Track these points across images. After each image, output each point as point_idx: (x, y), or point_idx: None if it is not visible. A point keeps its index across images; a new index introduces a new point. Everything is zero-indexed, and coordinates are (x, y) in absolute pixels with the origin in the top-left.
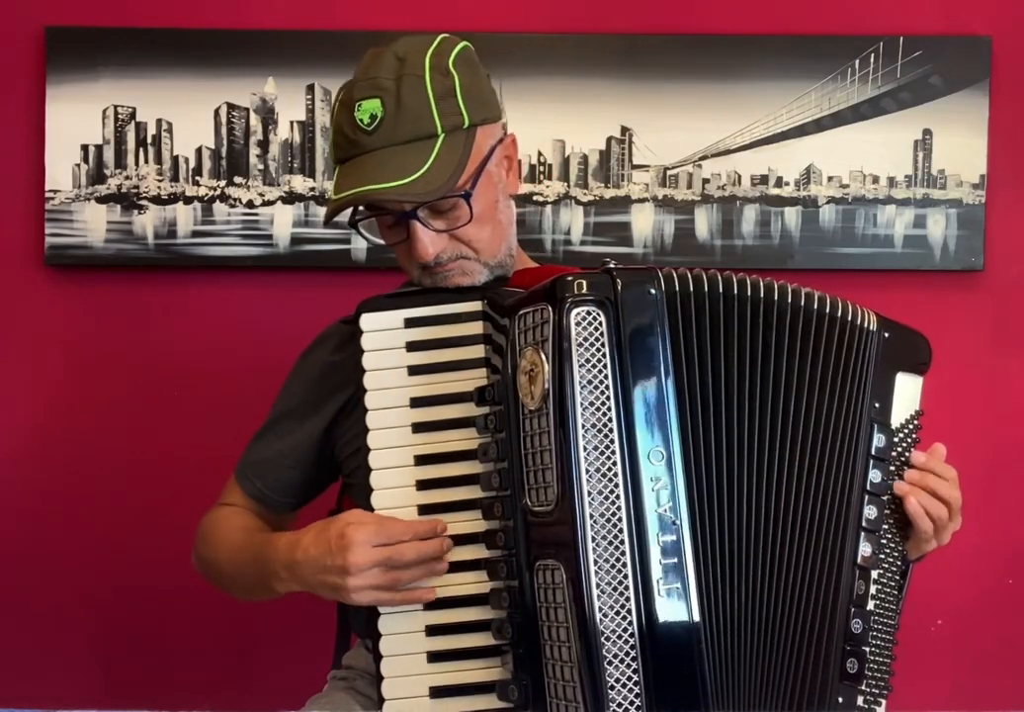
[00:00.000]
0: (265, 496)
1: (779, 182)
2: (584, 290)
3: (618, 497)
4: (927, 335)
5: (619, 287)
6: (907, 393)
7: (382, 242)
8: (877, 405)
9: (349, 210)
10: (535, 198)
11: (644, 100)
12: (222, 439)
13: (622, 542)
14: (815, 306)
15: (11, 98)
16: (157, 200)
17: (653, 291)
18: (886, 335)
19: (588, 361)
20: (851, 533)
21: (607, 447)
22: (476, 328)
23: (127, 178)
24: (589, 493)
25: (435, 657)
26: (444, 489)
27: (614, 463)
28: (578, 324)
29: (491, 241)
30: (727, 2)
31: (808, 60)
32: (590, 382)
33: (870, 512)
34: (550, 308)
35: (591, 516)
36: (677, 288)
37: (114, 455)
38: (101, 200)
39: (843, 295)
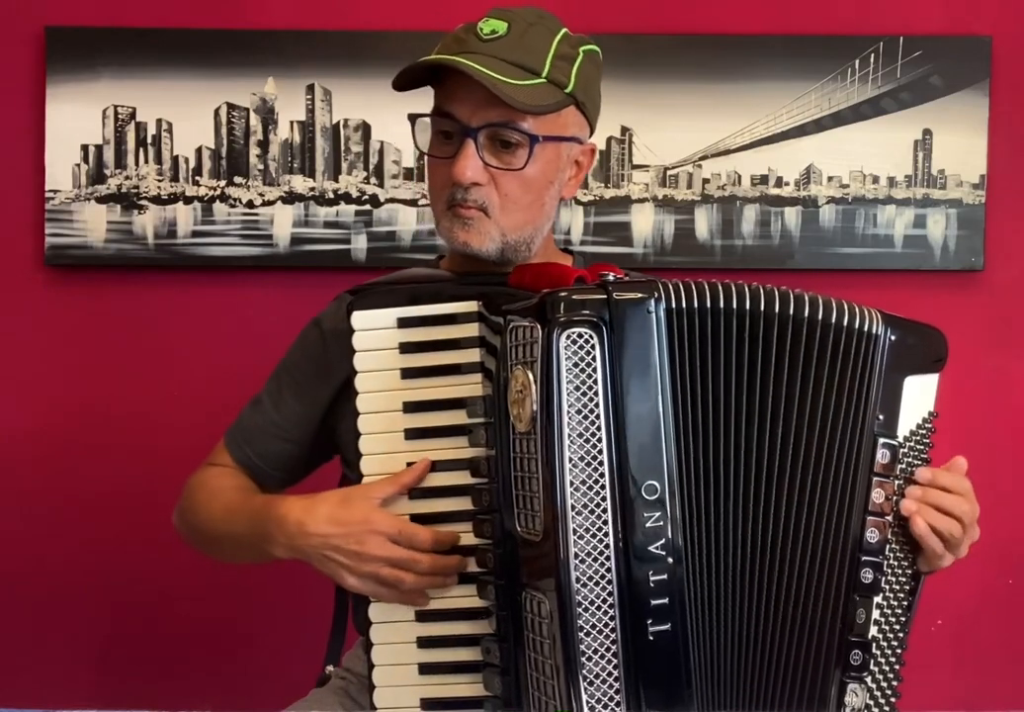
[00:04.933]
0: (254, 465)
1: (779, 182)
2: (576, 310)
3: (607, 534)
4: None
5: (615, 306)
6: (917, 396)
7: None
8: (881, 417)
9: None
10: None
11: (644, 100)
12: (222, 437)
13: (610, 582)
14: (819, 315)
15: (11, 98)
16: (157, 200)
17: (652, 309)
18: (892, 338)
19: (578, 388)
20: (850, 560)
21: (596, 481)
22: (471, 330)
23: (127, 178)
24: (575, 530)
25: (426, 669)
26: (437, 499)
27: (603, 499)
28: (567, 348)
29: (522, 211)
30: (727, 2)
31: (808, 60)
32: (579, 412)
33: (871, 535)
34: (539, 328)
35: (576, 555)
36: (678, 304)
37: (114, 455)
38: (101, 200)
39: (843, 295)
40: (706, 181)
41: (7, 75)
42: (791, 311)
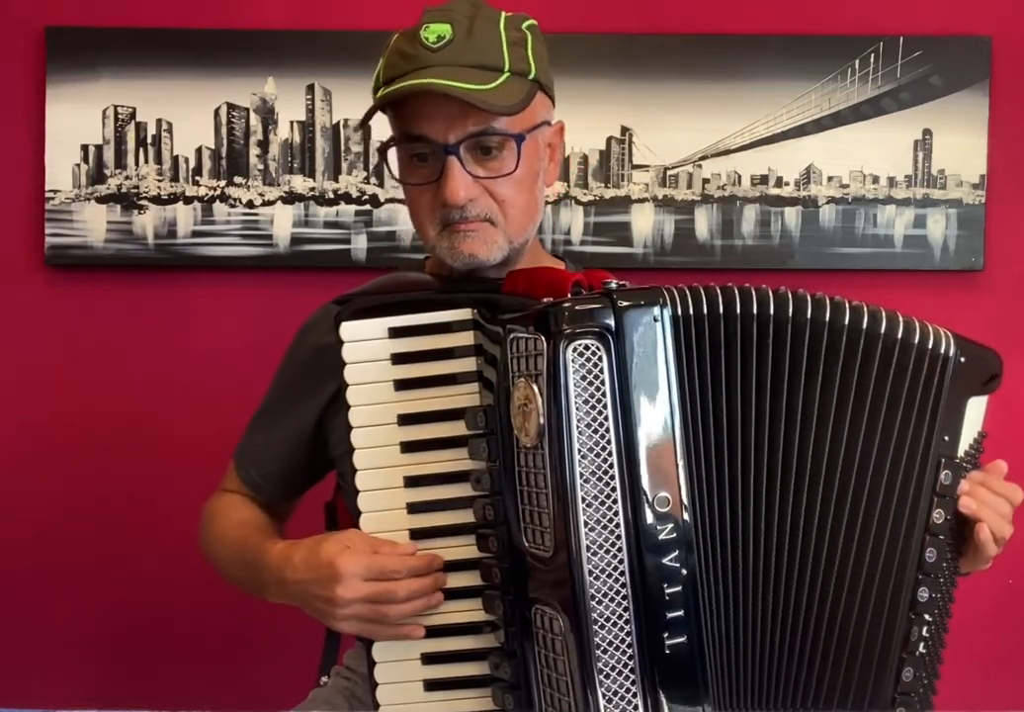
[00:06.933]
0: (260, 486)
1: (779, 182)
2: (581, 320)
3: (620, 550)
4: None
5: (620, 315)
6: (974, 416)
7: (400, 181)
8: (947, 438)
9: (380, 142)
10: None
11: (644, 100)
12: (223, 439)
13: (625, 597)
14: (863, 324)
15: (11, 98)
16: (157, 200)
17: (658, 317)
18: (962, 360)
19: (587, 402)
20: (908, 579)
21: (608, 496)
22: (467, 338)
23: (127, 178)
24: (589, 547)
25: (432, 686)
26: (436, 513)
27: (616, 513)
28: (574, 360)
29: (523, 213)
30: (727, 2)
31: (808, 60)
32: (588, 426)
33: (930, 555)
34: (544, 340)
35: (591, 572)
36: (684, 311)
37: (114, 455)
38: (101, 200)
39: (843, 295)
40: (706, 181)
41: (7, 75)
42: (827, 318)
